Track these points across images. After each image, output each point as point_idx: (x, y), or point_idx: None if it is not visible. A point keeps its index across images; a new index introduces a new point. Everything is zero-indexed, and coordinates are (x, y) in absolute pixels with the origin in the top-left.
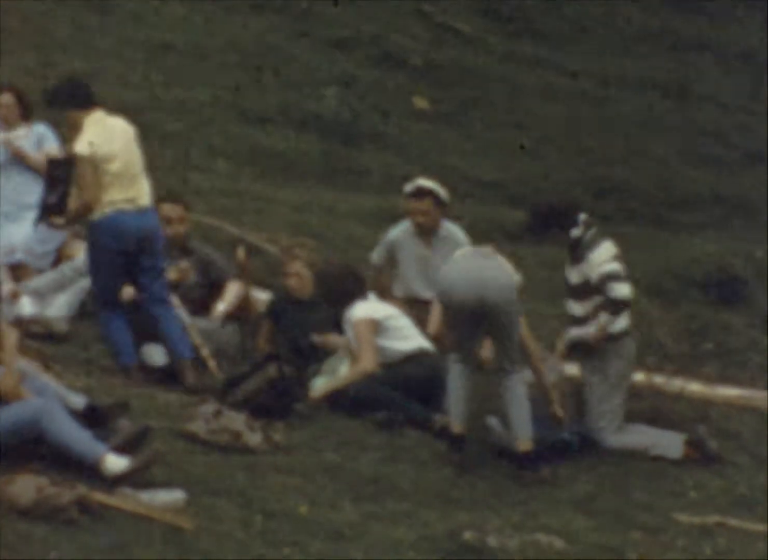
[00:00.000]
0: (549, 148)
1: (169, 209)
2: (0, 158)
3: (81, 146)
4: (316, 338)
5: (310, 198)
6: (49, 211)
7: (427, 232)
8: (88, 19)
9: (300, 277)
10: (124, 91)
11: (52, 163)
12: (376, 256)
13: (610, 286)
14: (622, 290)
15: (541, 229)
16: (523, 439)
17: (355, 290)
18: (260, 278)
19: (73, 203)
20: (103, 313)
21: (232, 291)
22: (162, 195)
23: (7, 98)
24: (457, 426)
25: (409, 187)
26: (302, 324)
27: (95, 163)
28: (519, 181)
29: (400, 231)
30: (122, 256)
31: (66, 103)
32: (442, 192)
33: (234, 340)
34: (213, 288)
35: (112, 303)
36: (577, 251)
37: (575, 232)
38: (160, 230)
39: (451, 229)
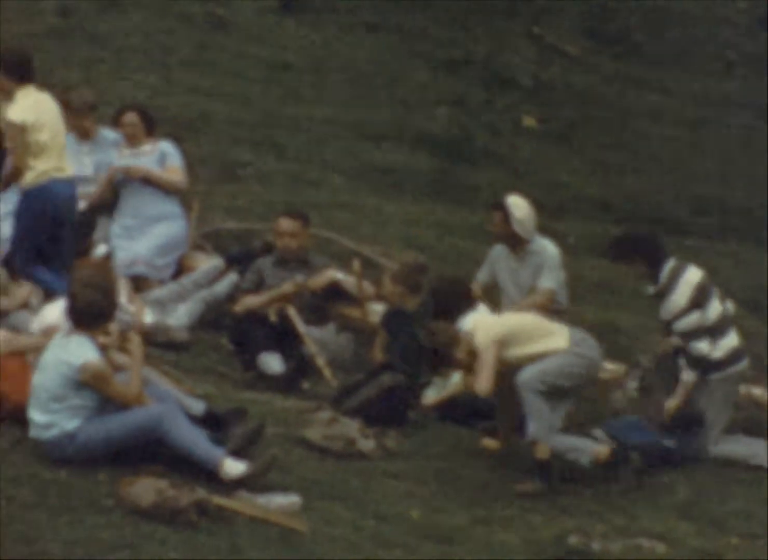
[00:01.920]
0: (653, 167)
1: (287, 223)
2: (120, 174)
3: (14, 114)
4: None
5: (421, 212)
6: None
7: (517, 247)
8: (209, 38)
9: (388, 290)
10: (245, 108)
11: None
12: (481, 275)
13: (688, 344)
14: (700, 347)
15: (622, 259)
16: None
17: (464, 302)
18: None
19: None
20: (28, 269)
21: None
22: (282, 209)
23: (132, 117)
24: (544, 451)
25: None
26: (411, 334)
27: (26, 131)
28: (623, 198)
29: (498, 247)
30: (51, 222)
31: (7, 71)
32: (517, 209)
33: (348, 349)
34: (328, 300)
35: (33, 262)
36: (660, 295)
37: (658, 285)
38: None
39: (542, 243)
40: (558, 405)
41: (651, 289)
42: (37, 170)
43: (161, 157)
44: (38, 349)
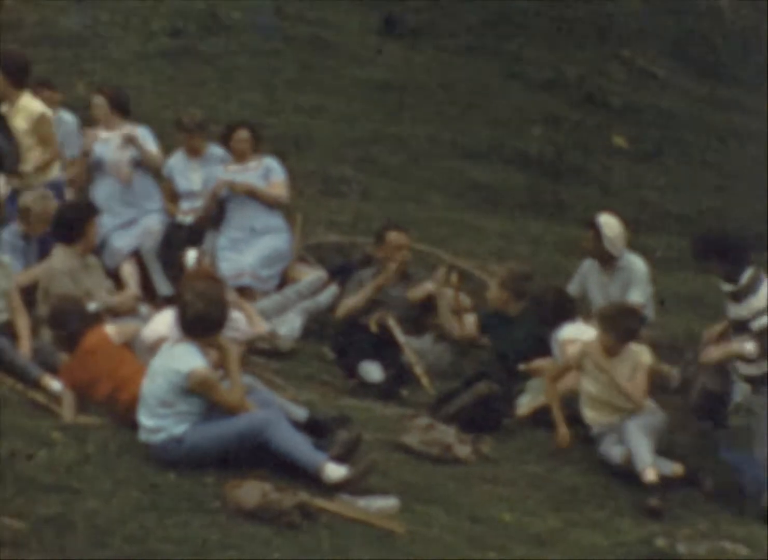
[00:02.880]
0: (737, 185)
1: (397, 236)
2: (227, 190)
3: (41, 106)
4: (523, 366)
5: (516, 228)
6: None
7: (607, 263)
8: (313, 59)
9: (493, 294)
10: (347, 126)
11: None
12: (572, 288)
13: (765, 342)
14: None
15: (701, 258)
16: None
17: (567, 312)
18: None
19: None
20: None
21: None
22: (386, 223)
23: (244, 133)
24: (652, 474)
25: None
26: (510, 341)
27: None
28: (708, 214)
29: (589, 262)
30: None
31: (8, 76)
32: (608, 228)
33: (445, 359)
34: (424, 310)
35: None
36: (739, 294)
37: (739, 284)
38: None
39: (631, 259)
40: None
41: (728, 287)
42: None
43: (266, 173)
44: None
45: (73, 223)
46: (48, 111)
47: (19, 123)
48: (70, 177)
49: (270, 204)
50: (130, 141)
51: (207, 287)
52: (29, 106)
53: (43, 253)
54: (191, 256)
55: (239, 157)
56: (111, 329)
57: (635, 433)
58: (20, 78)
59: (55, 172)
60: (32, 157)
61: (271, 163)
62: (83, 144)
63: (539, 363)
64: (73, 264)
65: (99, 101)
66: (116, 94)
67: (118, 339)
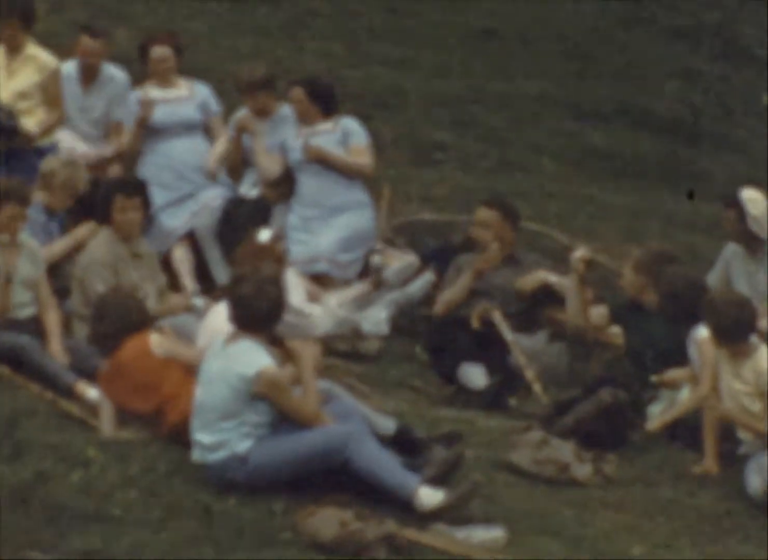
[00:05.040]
0: None
1: (486, 214)
2: (296, 156)
3: (52, 59)
4: (655, 379)
5: (646, 204)
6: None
7: (754, 247)
8: (402, 4)
9: (627, 279)
10: (442, 81)
11: None
12: (712, 277)
13: None
14: None
15: None
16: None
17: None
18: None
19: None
20: None
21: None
22: (484, 198)
23: (297, 93)
24: None
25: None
26: (646, 339)
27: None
28: None
29: (732, 246)
30: None
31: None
32: (753, 205)
33: (562, 361)
34: (536, 303)
35: None
36: None
37: None
38: None
39: None
40: None
41: None
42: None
43: (344, 137)
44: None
45: (98, 201)
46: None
47: (28, 74)
48: (118, 149)
49: (349, 174)
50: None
51: (262, 273)
52: (41, 56)
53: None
54: (264, 235)
55: (302, 120)
56: (155, 340)
57: None
58: (29, 18)
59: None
60: (37, 116)
61: (351, 124)
62: (140, 110)
63: (676, 373)
64: (115, 251)
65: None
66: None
67: (161, 352)
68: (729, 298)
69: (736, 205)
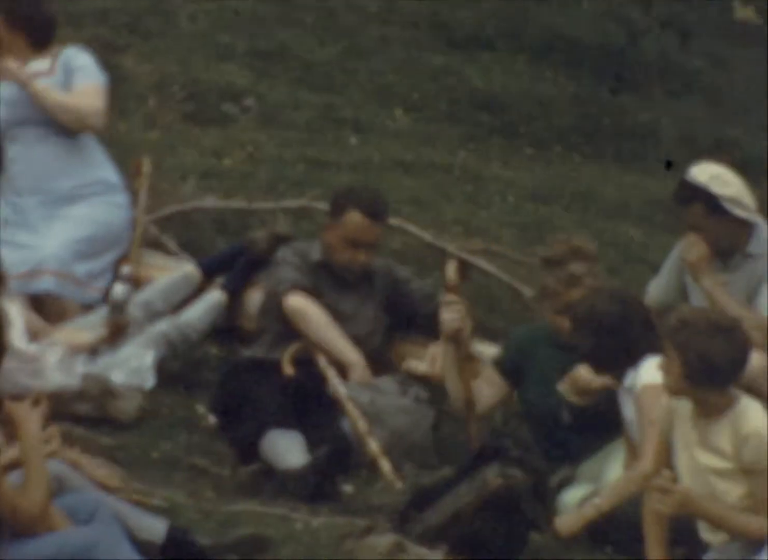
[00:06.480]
0: None
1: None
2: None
3: None
4: (563, 387)
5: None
6: None
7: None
8: None
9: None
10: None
11: None
12: (655, 290)
13: None
14: None
15: None
16: None
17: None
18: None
19: None
20: None
21: None
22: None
23: None
24: None
25: None
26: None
27: None
28: None
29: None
30: None
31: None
32: (721, 183)
33: (423, 423)
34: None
35: None
36: None
37: None
38: None
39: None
40: None
41: None
42: None
43: (66, 76)
44: None
45: None
46: None
47: None
48: None
49: (75, 129)
50: None
51: None
52: None
53: None
54: None
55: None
56: None
57: None
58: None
59: None
60: None
61: (76, 56)
62: None
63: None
64: None
65: None
66: None
67: None
68: (710, 320)
69: (698, 193)
